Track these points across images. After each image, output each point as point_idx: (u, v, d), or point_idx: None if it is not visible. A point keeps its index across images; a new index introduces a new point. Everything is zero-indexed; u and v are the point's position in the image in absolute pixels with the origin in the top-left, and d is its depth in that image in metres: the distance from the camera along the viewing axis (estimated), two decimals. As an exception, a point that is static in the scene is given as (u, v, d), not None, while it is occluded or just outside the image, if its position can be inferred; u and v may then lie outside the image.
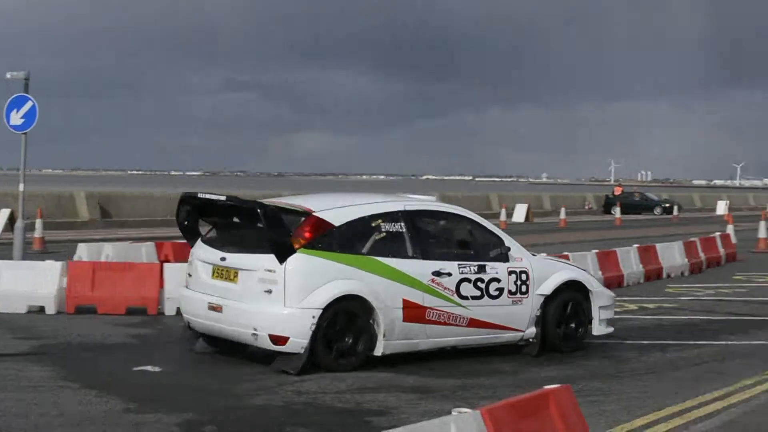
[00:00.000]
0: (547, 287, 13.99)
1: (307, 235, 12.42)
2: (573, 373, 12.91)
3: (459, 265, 13.29)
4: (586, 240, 38.68)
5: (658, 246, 25.45)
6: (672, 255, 25.63)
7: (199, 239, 13.64)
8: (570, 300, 14.22)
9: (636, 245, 24.62)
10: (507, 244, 13.91)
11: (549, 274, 14.10)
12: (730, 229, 32.08)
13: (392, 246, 12.94)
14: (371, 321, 12.56)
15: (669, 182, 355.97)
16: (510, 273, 13.66)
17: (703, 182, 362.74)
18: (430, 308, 12.94)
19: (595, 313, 14.45)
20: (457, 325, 13.23)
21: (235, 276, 12.67)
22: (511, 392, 10.97)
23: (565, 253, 21.81)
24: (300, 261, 12.24)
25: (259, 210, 12.29)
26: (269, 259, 12.25)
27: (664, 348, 14.96)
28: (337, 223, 12.69)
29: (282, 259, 12.16)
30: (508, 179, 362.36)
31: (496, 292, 13.56)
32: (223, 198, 13.05)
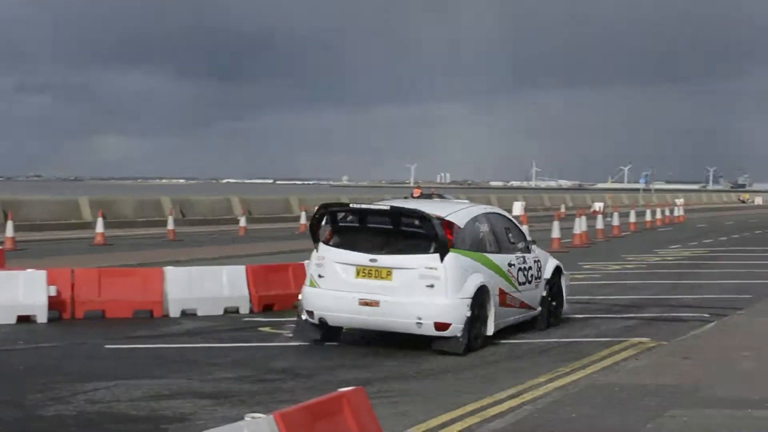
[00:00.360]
0: (548, 272, 17.21)
1: (450, 236, 14.61)
2: (371, 375, 12.97)
3: (516, 256, 16.24)
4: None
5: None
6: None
7: (321, 243, 15.14)
8: (555, 282, 17.40)
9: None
10: (529, 238, 17.37)
11: (546, 261, 17.35)
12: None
13: (483, 242, 15.55)
14: (488, 306, 14.95)
15: (467, 183, 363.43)
16: (534, 262, 16.78)
17: (500, 183, 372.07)
18: (508, 293, 15.74)
19: (565, 292, 17.81)
20: (515, 307, 16.11)
21: (389, 274, 14.51)
22: (309, 396, 10.93)
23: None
24: (454, 259, 14.51)
25: (427, 217, 14.41)
26: (430, 258, 14.40)
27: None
28: (461, 225, 15.09)
29: (443, 257, 14.32)
30: (310, 182, 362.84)
31: (531, 278, 16.57)
32: (386, 207, 15.00)
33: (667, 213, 63.34)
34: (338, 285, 14.69)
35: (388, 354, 14.44)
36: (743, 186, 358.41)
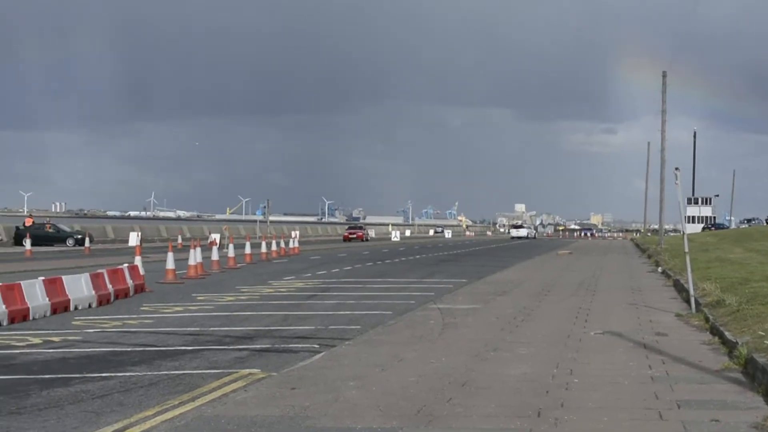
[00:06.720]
0: None
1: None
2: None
3: None
4: (-7, 272, 37.48)
5: (65, 278, 25.19)
6: (79, 287, 25.47)
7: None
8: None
9: (42, 278, 24.16)
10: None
11: None
12: (138, 260, 32.49)
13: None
14: None
15: (83, 213, 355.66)
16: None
17: (117, 213, 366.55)
18: None
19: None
20: None
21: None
22: None
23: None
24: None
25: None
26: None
27: (68, 381, 14.73)
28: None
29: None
30: None
31: None
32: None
33: (283, 245, 64.51)
34: None
35: (-12, 390, 13.78)
36: (358, 219, 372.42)
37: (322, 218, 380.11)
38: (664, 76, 77.99)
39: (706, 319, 21.62)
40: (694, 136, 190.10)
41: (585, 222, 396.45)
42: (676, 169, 25.41)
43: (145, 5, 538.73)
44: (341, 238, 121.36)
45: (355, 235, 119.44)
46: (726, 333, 18.22)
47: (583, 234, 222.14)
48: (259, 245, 59.12)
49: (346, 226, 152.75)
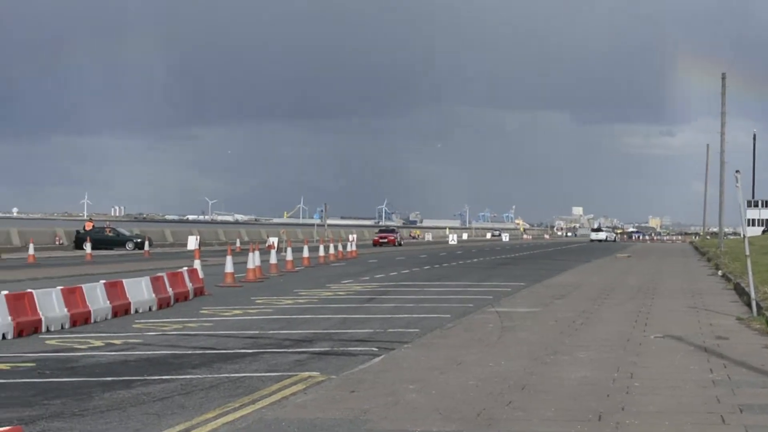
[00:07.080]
0: None
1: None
2: (35, 413, 12.50)
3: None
4: (55, 276, 38.05)
5: (126, 281, 25.44)
6: (139, 290, 25.71)
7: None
8: None
9: (103, 281, 24.42)
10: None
11: None
12: (197, 264, 32.72)
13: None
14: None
15: (142, 217, 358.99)
16: None
17: (176, 217, 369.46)
18: None
19: None
20: None
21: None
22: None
23: (29, 290, 21.32)
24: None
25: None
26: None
27: (129, 384, 14.86)
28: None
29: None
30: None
31: None
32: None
33: (340, 248, 64.62)
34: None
35: (51, 393, 13.94)
36: (414, 222, 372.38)
37: (379, 221, 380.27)
38: (724, 77, 77.24)
39: (768, 323, 21.38)
40: (754, 138, 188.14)
41: (642, 225, 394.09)
42: (737, 171, 25.14)
43: (201, 14, 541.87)
44: (387, 242, 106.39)
45: (386, 240, 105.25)
46: (789, 337, 18.02)
47: (635, 237, 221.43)
48: (316, 249, 59.23)
49: (376, 230, 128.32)
